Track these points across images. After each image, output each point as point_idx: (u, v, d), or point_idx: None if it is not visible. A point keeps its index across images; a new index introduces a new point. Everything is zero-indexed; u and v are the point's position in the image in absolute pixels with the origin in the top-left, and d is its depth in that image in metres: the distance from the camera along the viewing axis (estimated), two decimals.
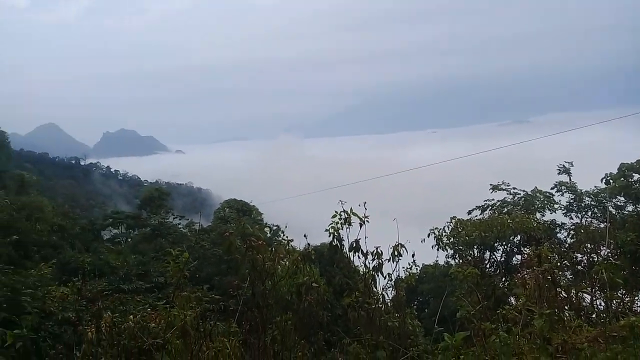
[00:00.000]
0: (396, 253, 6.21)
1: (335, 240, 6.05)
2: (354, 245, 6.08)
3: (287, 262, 6.55)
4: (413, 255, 7.14)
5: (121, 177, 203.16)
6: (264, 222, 57.99)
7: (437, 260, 38.25)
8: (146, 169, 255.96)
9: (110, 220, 63.75)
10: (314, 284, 6.45)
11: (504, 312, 7.29)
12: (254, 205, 66.68)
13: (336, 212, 6.03)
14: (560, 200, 27.54)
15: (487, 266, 26.04)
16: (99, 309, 7.08)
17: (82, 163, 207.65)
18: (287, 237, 6.39)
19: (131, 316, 6.48)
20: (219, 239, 43.74)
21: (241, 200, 67.10)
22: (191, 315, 5.35)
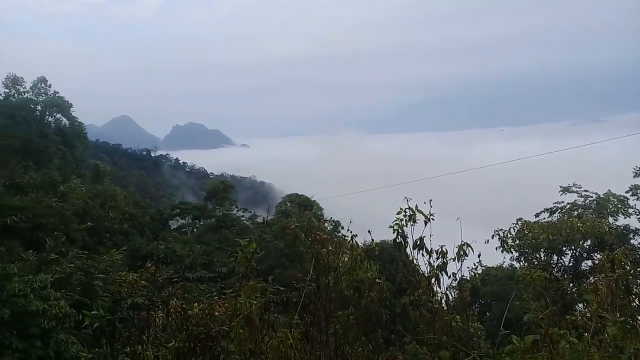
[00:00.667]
0: (462, 252, 6.11)
1: (399, 237, 6.02)
2: (418, 242, 6.03)
3: (348, 258, 6.58)
4: (479, 256, 7.00)
5: (189, 169, 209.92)
6: (325, 217, 58.47)
7: (504, 263, 37.19)
8: (212, 161, 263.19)
9: (178, 210, 66.14)
10: (377, 280, 6.46)
11: (573, 318, 7.04)
12: (315, 200, 67.31)
13: (401, 209, 6.00)
14: (635, 205, 26.22)
15: (554, 271, 25.12)
16: (169, 294, 7.39)
17: (152, 155, 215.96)
18: (350, 231, 6.41)
19: (197, 303, 6.73)
20: (280, 232, 44.45)
21: (303, 195, 67.92)
22: (256, 305, 5.49)
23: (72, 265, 27.30)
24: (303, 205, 65.49)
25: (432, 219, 6.02)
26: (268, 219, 66.89)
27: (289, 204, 66.40)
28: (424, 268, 6.47)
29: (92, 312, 6.03)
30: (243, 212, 65.41)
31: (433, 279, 6.24)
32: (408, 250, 6.15)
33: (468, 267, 7.46)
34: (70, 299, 22.67)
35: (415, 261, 6.16)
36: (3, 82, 62.53)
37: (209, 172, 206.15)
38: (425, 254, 6.14)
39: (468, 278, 7.21)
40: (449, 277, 6.39)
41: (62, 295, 21.77)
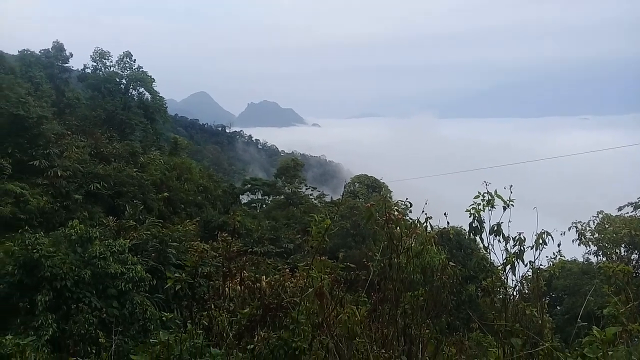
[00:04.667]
0: (541, 241, 5.88)
1: (475, 221, 5.87)
2: (495, 228, 5.85)
3: (417, 240, 6.49)
4: (559, 245, 6.72)
5: (261, 146, 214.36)
6: (393, 199, 58.08)
7: (580, 257, 35.58)
8: (284, 139, 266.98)
9: (249, 186, 67.97)
10: (451, 264, 6.36)
11: None
12: (384, 182, 66.98)
13: (479, 192, 5.83)
14: None
15: (634, 268, 23.81)
16: (242, 266, 7.62)
17: (227, 130, 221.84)
18: (425, 213, 6.31)
19: (265, 276, 6.91)
20: (348, 212, 44.62)
21: (371, 177, 67.77)
22: (327, 280, 5.55)
23: (149, 232, 28.76)
24: (371, 187, 65.40)
25: (512, 205, 5.82)
26: (336, 199, 67.34)
27: (357, 185, 66.49)
28: (499, 255, 6.28)
29: (175, 275, 6.31)
30: (312, 190, 66.22)
31: (508, 267, 6.05)
32: (484, 235, 5.98)
33: (546, 257, 7.19)
34: (145, 264, 23.93)
35: (490, 247, 5.98)
36: (91, 56, 65.99)
37: (280, 149, 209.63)
38: (502, 240, 5.95)
39: (545, 268, 6.96)
40: (525, 266, 6.18)
41: (139, 260, 23.01)
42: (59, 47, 66.41)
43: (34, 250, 18.87)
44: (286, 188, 61.75)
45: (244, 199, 68.53)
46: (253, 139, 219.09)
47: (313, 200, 62.71)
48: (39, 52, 66.01)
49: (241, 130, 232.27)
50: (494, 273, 6.80)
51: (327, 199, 67.51)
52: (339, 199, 64.99)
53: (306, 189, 64.71)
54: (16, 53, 66.11)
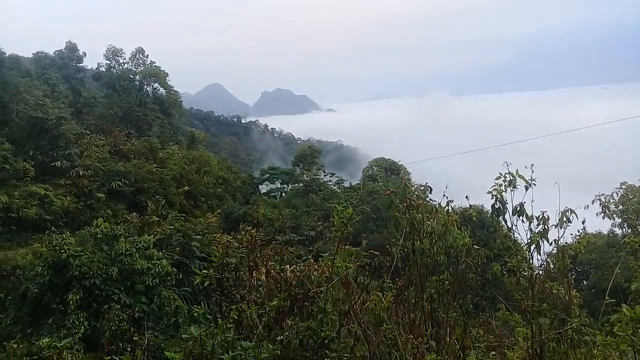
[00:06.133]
0: (564, 219, 5.83)
1: (498, 202, 5.84)
2: (518, 208, 5.82)
3: (439, 223, 6.48)
4: (583, 222, 6.65)
5: (277, 135, 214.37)
6: (412, 181, 57.77)
7: (604, 230, 35.09)
8: (299, 126, 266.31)
9: (267, 175, 68.14)
10: (475, 246, 6.34)
11: None
12: (402, 165, 66.59)
13: (500, 173, 5.79)
14: None
15: None
16: (268, 257, 7.69)
17: (242, 121, 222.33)
18: (446, 196, 6.29)
19: (289, 265, 6.97)
20: (368, 196, 44.56)
21: (389, 159, 67.37)
22: (352, 268, 5.59)
23: (172, 227, 29.14)
24: (390, 170, 65.10)
25: (534, 184, 5.76)
26: (355, 184, 67.23)
27: (375, 168, 66.21)
28: (523, 235, 6.24)
29: (203, 271, 6.42)
30: (330, 176, 66.18)
31: (533, 246, 6.01)
32: (507, 216, 5.95)
33: (571, 234, 7.12)
34: (171, 258, 24.29)
35: (514, 227, 5.95)
36: (104, 54, 66.48)
37: (296, 137, 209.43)
38: (525, 220, 5.91)
39: (570, 245, 6.90)
40: (550, 244, 6.13)
41: (164, 254, 23.36)
42: (72, 48, 67.07)
43: (62, 251, 19.27)
44: (304, 175, 61.77)
45: (263, 188, 68.78)
46: (269, 127, 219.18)
47: (332, 186, 62.65)
48: (53, 53, 66.81)
49: (256, 120, 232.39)
50: (519, 252, 6.78)
51: (346, 184, 67.39)
52: (358, 183, 64.78)
53: (324, 175, 64.65)
54: (31, 56, 67.03)
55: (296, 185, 63.49)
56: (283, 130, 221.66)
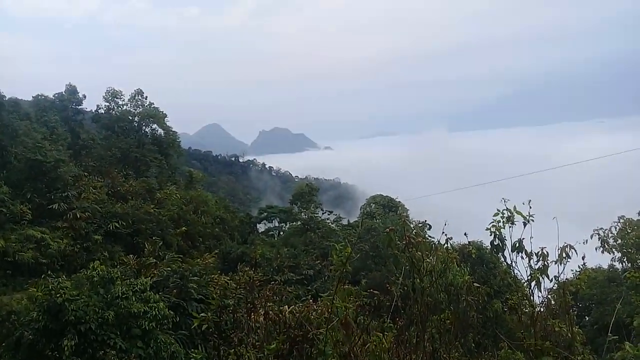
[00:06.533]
0: (564, 255, 5.79)
1: (497, 239, 5.81)
2: (517, 245, 5.78)
3: (441, 261, 6.43)
4: (583, 258, 6.61)
5: (274, 173, 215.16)
6: (410, 218, 57.64)
7: (604, 265, 34.84)
8: (297, 165, 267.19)
9: (265, 214, 68.03)
10: (475, 284, 6.27)
11: None
12: (400, 201, 66.48)
13: (498, 210, 5.79)
14: None
15: None
16: (266, 297, 7.59)
17: (240, 160, 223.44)
18: (445, 234, 6.27)
19: (288, 306, 6.87)
20: (366, 234, 44.34)
21: (387, 196, 67.27)
22: (351, 309, 5.51)
23: (169, 268, 28.84)
24: (387, 207, 64.96)
25: (532, 220, 5.75)
26: (353, 221, 67.03)
27: (373, 206, 66.07)
28: (523, 271, 6.18)
29: (201, 315, 6.32)
30: (328, 214, 66.00)
31: (533, 283, 5.95)
32: (506, 253, 5.91)
33: (571, 270, 7.07)
34: (167, 301, 23.94)
35: (513, 263, 5.91)
36: (104, 97, 67.21)
37: (294, 175, 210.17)
38: (524, 256, 5.87)
39: (570, 281, 6.84)
40: (550, 281, 6.07)
41: (160, 297, 23.04)
42: (72, 90, 67.83)
43: (58, 295, 19.01)
44: (302, 214, 61.61)
45: (261, 227, 68.55)
46: (266, 166, 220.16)
47: (330, 224, 62.42)
48: (53, 96, 67.51)
49: (254, 159, 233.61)
50: (519, 289, 6.71)
51: (344, 222, 67.16)
52: (356, 221, 64.60)
53: (322, 213, 64.48)
54: (30, 98, 67.72)
55: (294, 223, 63.28)
56: (281, 168, 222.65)
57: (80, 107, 69.40)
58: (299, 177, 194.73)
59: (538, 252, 5.90)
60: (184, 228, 47.48)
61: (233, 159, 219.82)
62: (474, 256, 30.95)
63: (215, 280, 26.79)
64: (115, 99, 67.18)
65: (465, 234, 6.85)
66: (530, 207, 5.77)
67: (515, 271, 6.37)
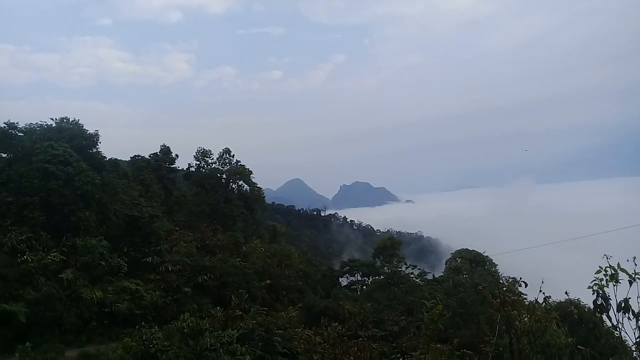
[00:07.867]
0: None
1: (600, 298, 5.48)
2: (623, 304, 5.42)
3: (535, 320, 6.13)
4: None
5: (356, 227, 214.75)
6: (499, 273, 55.11)
7: None
8: (378, 218, 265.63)
9: (347, 268, 67.68)
10: (579, 347, 5.91)
11: None
12: (487, 256, 63.91)
13: (600, 267, 5.49)
14: None
15: None
16: (353, 353, 7.53)
17: (322, 214, 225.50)
18: (543, 292, 6.01)
19: None
20: (453, 290, 42.85)
21: (473, 251, 64.97)
22: None
23: (254, 321, 29.27)
24: (474, 261, 62.67)
25: (639, 278, 5.39)
26: (438, 276, 65.06)
27: (459, 260, 64.01)
28: (630, 333, 5.76)
29: None
30: (412, 268, 64.66)
31: None
32: (611, 313, 5.55)
33: None
34: (253, 353, 24.20)
35: (620, 325, 5.53)
36: (194, 155, 71.32)
37: (375, 228, 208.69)
38: (632, 317, 5.48)
39: None
40: None
41: (247, 350, 23.33)
42: (165, 150, 72.40)
43: (150, 345, 19.75)
44: (385, 268, 60.76)
45: (343, 281, 68.14)
46: (348, 220, 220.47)
47: (414, 278, 60.95)
48: (149, 156, 72.33)
49: (335, 213, 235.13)
50: (628, 354, 6.24)
51: (428, 276, 65.36)
52: (441, 276, 62.64)
53: (406, 267, 63.25)
54: (128, 159, 72.88)
55: (377, 277, 62.43)
56: (362, 222, 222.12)
57: (173, 165, 73.87)
58: (380, 230, 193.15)
59: None
60: (268, 281, 48.18)
61: (315, 212, 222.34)
62: (575, 316, 28.95)
63: (299, 334, 26.79)
64: (205, 158, 71.04)
65: (566, 292, 6.50)
66: (636, 264, 5.43)
67: (622, 333, 5.96)
